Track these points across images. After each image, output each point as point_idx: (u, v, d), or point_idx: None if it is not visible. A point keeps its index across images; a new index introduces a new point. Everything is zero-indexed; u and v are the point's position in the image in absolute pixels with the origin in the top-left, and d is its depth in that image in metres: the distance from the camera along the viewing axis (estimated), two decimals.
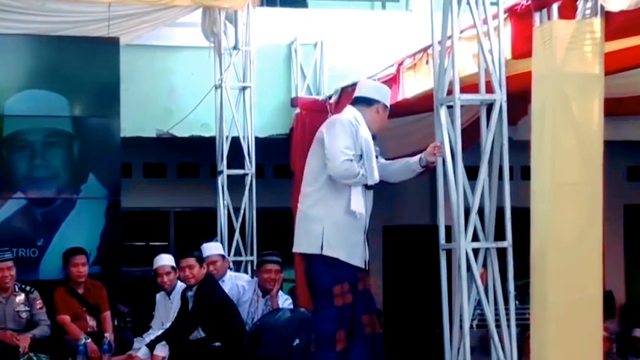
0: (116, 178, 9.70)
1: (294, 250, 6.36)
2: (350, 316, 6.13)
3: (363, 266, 6.25)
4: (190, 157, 11.71)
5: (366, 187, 6.20)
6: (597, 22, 5.61)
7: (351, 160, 6.13)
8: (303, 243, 6.25)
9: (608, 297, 7.79)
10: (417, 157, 6.32)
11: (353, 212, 6.14)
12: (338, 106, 9.01)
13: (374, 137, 6.36)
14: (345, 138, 6.17)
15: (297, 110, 10.40)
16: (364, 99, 6.42)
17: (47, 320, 8.70)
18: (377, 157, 6.33)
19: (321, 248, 6.15)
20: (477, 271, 6.17)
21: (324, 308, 6.18)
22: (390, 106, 6.66)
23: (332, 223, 6.16)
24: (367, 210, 6.27)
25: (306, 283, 6.51)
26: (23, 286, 8.73)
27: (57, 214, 9.49)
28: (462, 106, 6.23)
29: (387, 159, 6.61)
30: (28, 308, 8.66)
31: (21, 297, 8.67)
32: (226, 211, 10.02)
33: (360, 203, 6.15)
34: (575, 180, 5.68)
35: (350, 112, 6.35)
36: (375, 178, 6.20)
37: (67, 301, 8.83)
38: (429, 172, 6.60)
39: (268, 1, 11.11)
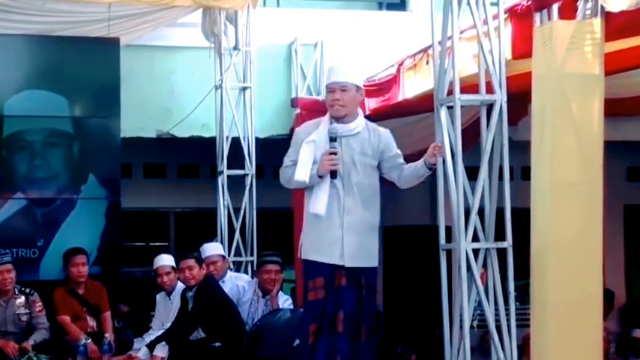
0: (116, 179, 9.69)
1: None
2: (320, 312, 6.11)
3: (342, 263, 6.08)
4: (190, 158, 11.71)
5: (331, 177, 6.07)
6: (597, 23, 5.62)
7: (286, 166, 6.19)
8: None
9: (606, 295, 7.78)
10: (422, 160, 6.22)
11: (314, 213, 6.13)
12: None
13: (341, 119, 6.17)
14: (290, 148, 6.26)
15: (298, 110, 10.41)
16: None
17: (46, 323, 8.70)
18: (334, 140, 6.08)
19: (301, 253, 6.24)
20: (477, 271, 6.18)
21: (303, 302, 6.30)
22: (395, 105, 6.62)
23: (306, 227, 6.21)
24: (346, 206, 6.07)
25: None
26: (23, 289, 8.73)
27: (57, 214, 9.49)
28: (462, 107, 6.23)
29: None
30: (28, 311, 8.67)
31: (21, 300, 8.67)
32: (226, 212, 10.02)
33: (317, 203, 6.08)
34: (575, 180, 5.69)
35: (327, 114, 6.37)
36: (296, 178, 6.08)
37: (67, 302, 8.83)
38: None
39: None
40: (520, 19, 6.19)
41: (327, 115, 6.23)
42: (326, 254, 6.11)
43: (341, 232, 6.10)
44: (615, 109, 6.99)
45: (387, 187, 7.12)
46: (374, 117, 8.56)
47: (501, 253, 6.26)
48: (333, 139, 6.08)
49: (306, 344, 6.12)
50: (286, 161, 6.21)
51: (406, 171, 6.25)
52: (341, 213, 6.10)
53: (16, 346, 8.35)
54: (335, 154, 6.05)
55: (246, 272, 9.81)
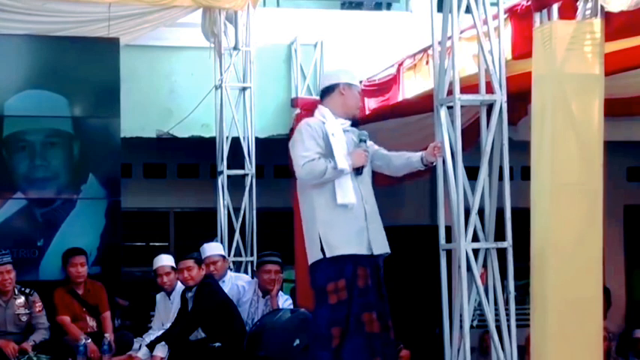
0: (116, 179, 9.69)
1: (310, 262, 6.23)
2: (345, 314, 6.07)
3: (370, 252, 6.08)
4: (190, 158, 11.71)
5: (356, 173, 6.10)
6: (597, 23, 5.62)
7: (313, 160, 5.99)
8: (310, 253, 6.18)
9: (604, 293, 7.78)
10: (419, 154, 6.22)
11: (343, 205, 6.03)
12: None
13: (355, 122, 6.26)
14: (303, 142, 6.06)
15: (298, 110, 10.40)
16: (324, 90, 6.33)
17: (46, 323, 8.70)
18: (365, 142, 6.16)
19: (323, 253, 6.04)
20: (477, 271, 6.18)
21: (319, 306, 6.12)
22: (395, 105, 6.63)
23: (325, 222, 6.05)
24: (364, 195, 6.12)
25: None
26: (23, 289, 8.73)
27: (57, 214, 9.48)
28: (462, 107, 6.23)
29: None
30: (28, 311, 8.67)
31: (21, 300, 8.67)
32: (226, 212, 10.02)
33: (346, 193, 6.02)
34: (575, 180, 5.68)
35: (317, 112, 6.29)
36: (340, 167, 5.99)
37: (66, 302, 8.83)
38: (429, 171, 6.59)
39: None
40: (520, 19, 6.19)
41: (328, 111, 6.19)
42: (355, 245, 6.05)
43: (365, 221, 6.11)
44: (615, 109, 7.00)
45: (387, 186, 7.13)
46: (374, 117, 8.58)
47: (501, 253, 6.26)
48: (363, 141, 6.17)
49: (325, 350, 6.01)
50: (311, 155, 5.99)
51: (397, 160, 6.30)
52: (362, 202, 6.12)
53: (16, 347, 8.35)
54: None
55: (246, 272, 9.82)
